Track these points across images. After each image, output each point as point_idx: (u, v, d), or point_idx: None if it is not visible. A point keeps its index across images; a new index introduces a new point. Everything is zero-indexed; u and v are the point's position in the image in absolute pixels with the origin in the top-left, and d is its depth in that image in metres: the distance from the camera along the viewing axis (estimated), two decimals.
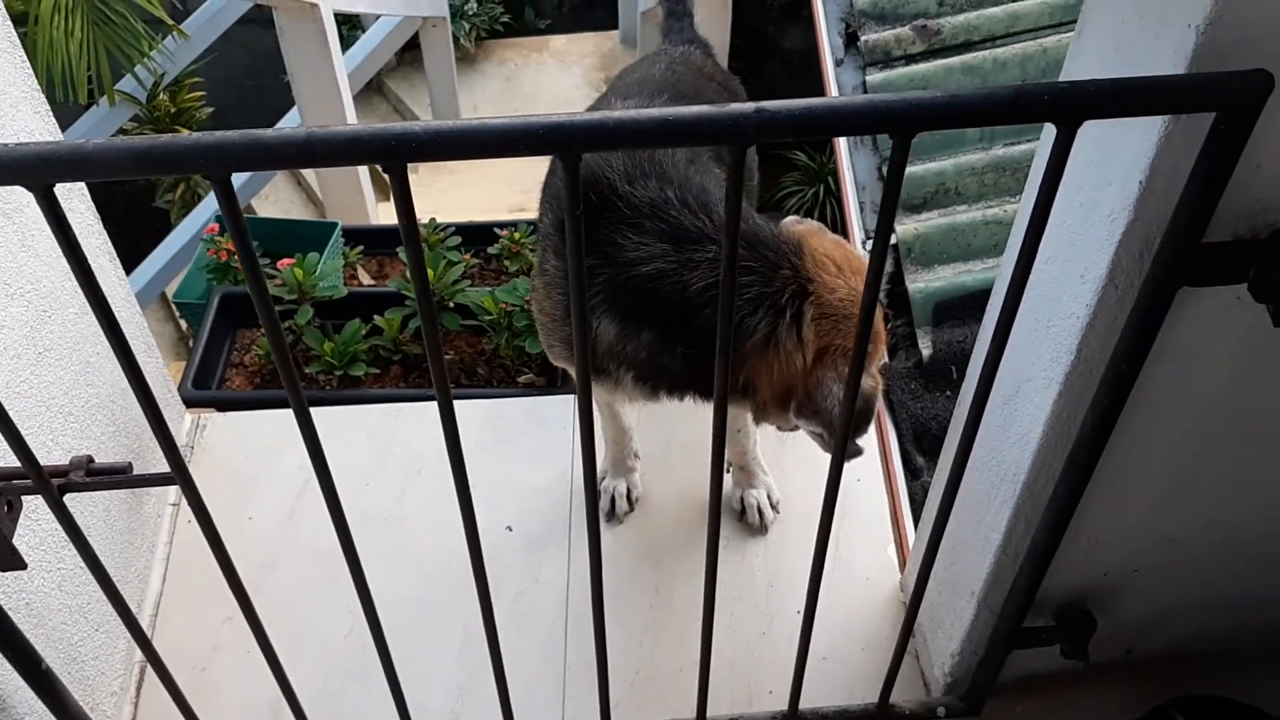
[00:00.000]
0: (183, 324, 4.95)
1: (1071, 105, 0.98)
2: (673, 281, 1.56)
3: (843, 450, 1.32)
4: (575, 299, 1.08)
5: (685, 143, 1.01)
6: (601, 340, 1.64)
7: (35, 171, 0.92)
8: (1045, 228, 1.10)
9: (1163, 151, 1.10)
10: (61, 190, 0.96)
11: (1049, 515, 1.49)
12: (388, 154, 0.94)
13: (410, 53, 6.43)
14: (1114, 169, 1.17)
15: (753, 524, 2.19)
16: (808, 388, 1.56)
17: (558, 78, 6.85)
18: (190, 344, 4.85)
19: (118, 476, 1.28)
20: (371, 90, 6.64)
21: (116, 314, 1.05)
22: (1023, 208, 1.28)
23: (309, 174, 5.96)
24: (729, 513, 2.21)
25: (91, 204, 1.91)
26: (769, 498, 2.21)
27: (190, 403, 2.50)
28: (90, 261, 1.01)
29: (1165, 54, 1.05)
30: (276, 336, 1.10)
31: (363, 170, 5.05)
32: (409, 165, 0.96)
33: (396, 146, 0.93)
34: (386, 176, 0.97)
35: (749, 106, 0.94)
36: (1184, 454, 1.47)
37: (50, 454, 1.68)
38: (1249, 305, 1.18)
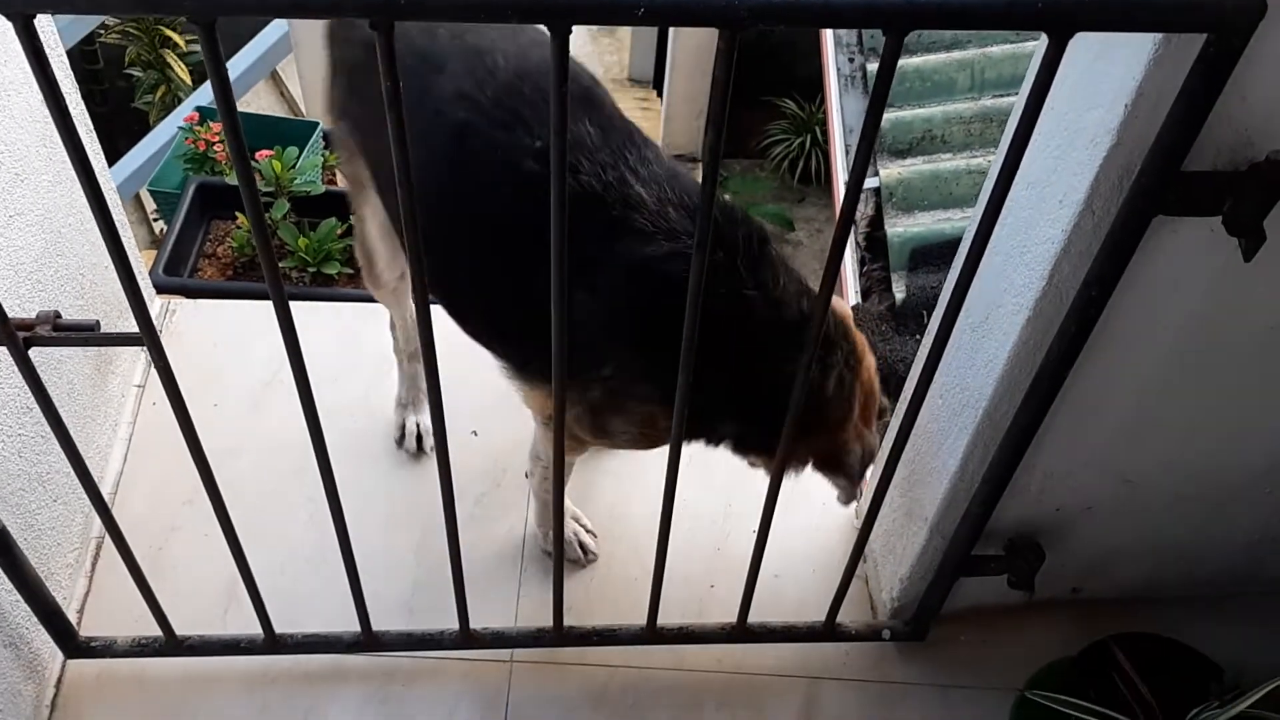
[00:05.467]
0: (156, 226, 4.89)
1: (1065, 14, 0.98)
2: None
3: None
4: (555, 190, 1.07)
5: (678, 23, 1.00)
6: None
7: None
8: (1028, 145, 1.11)
9: (1151, 75, 1.10)
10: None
11: (1007, 443, 1.51)
12: (377, 9, 0.93)
13: None
14: (1101, 92, 1.17)
15: None
16: (836, 449, 1.64)
17: None
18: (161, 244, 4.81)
19: (84, 334, 1.27)
20: None
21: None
22: (1007, 128, 1.28)
23: (292, 82, 5.86)
24: None
25: (72, 75, 1.87)
26: None
27: (160, 289, 2.49)
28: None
29: None
30: (256, 212, 1.09)
31: None
32: None
33: (385, 3, 0.92)
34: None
35: None
36: (1145, 391, 1.49)
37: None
38: (1222, 239, 1.20)
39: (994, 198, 1.17)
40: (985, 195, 1.26)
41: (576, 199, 1.43)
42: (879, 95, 1.04)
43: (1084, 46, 1.12)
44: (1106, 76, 1.16)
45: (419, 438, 2.17)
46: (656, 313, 1.44)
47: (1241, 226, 1.17)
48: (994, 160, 1.44)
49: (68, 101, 0.99)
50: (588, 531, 2.05)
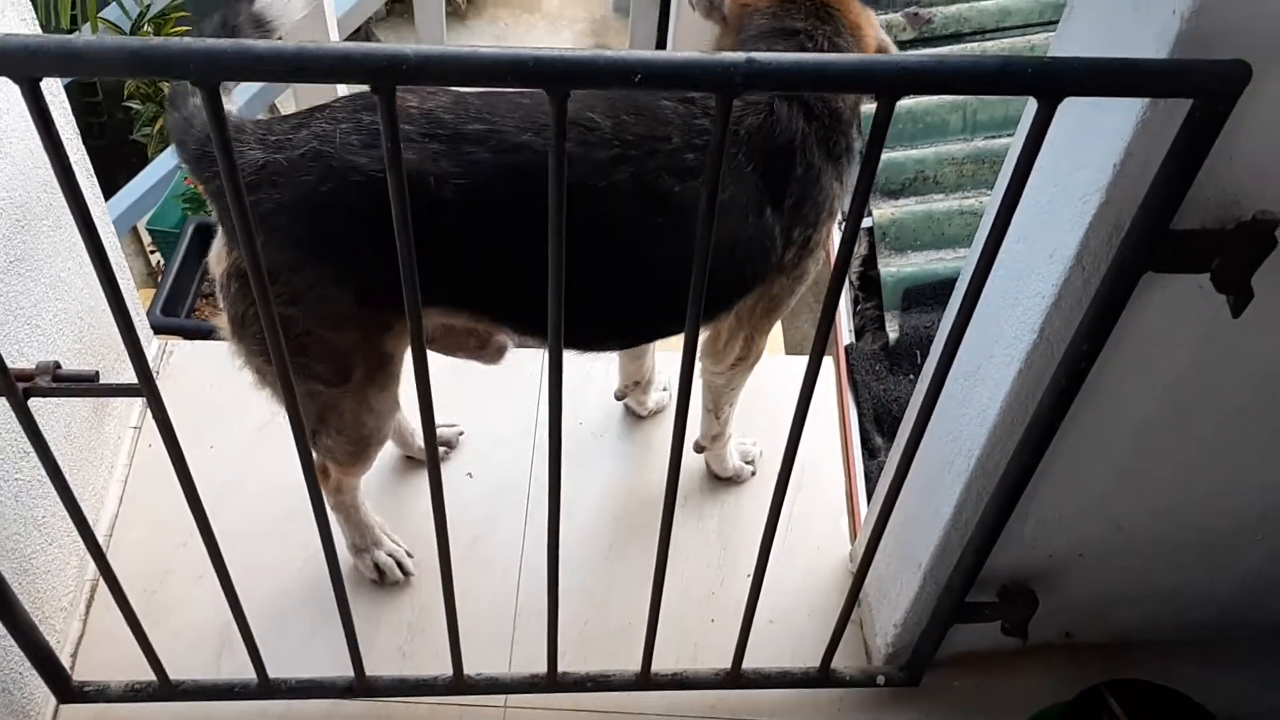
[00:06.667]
0: (153, 259, 4.90)
1: (1054, 80, 1.00)
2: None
3: None
4: (553, 251, 1.09)
5: (673, 87, 1.02)
6: None
7: (23, 63, 0.92)
8: (1019, 203, 1.13)
9: (1139, 136, 1.12)
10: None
11: (1000, 492, 1.52)
12: (378, 75, 0.95)
13: (401, 3, 6.37)
14: (1090, 152, 1.19)
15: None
16: (878, 44, 1.71)
17: (548, 40, 6.81)
18: (159, 279, 4.81)
19: (84, 384, 1.28)
20: (360, 37, 6.57)
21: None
22: (999, 183, 1.31)
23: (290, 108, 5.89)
24: (689, 477, 2.23)
25: (73, 119, 1.89)
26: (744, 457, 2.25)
27: (158, 329, 2.49)
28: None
29: (1148, 39, 1.07)
30: (254, 258, 1.10)
31: None
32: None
33: (387, 68, 0.94)
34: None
35: (740, 56, 0.96)
36: (1137, 441, 1.51)
37: (15, 364, 1.67)
38: (1210, 295, 1.21)
39: (985, 254, 1.18)
40: (976, 250, 1.28)
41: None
42: (872, 158, 1.06)
43: (1073, 107, 1.14)
44: (1095, 137, 1.18)
45: (398, 563, 2.03)
46: None
47: (1230, 284, 1.18)
48: (985, 215, 1.46)
49: (69, 148, 1.00)
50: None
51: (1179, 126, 1.06)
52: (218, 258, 1.56)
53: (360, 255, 1.46)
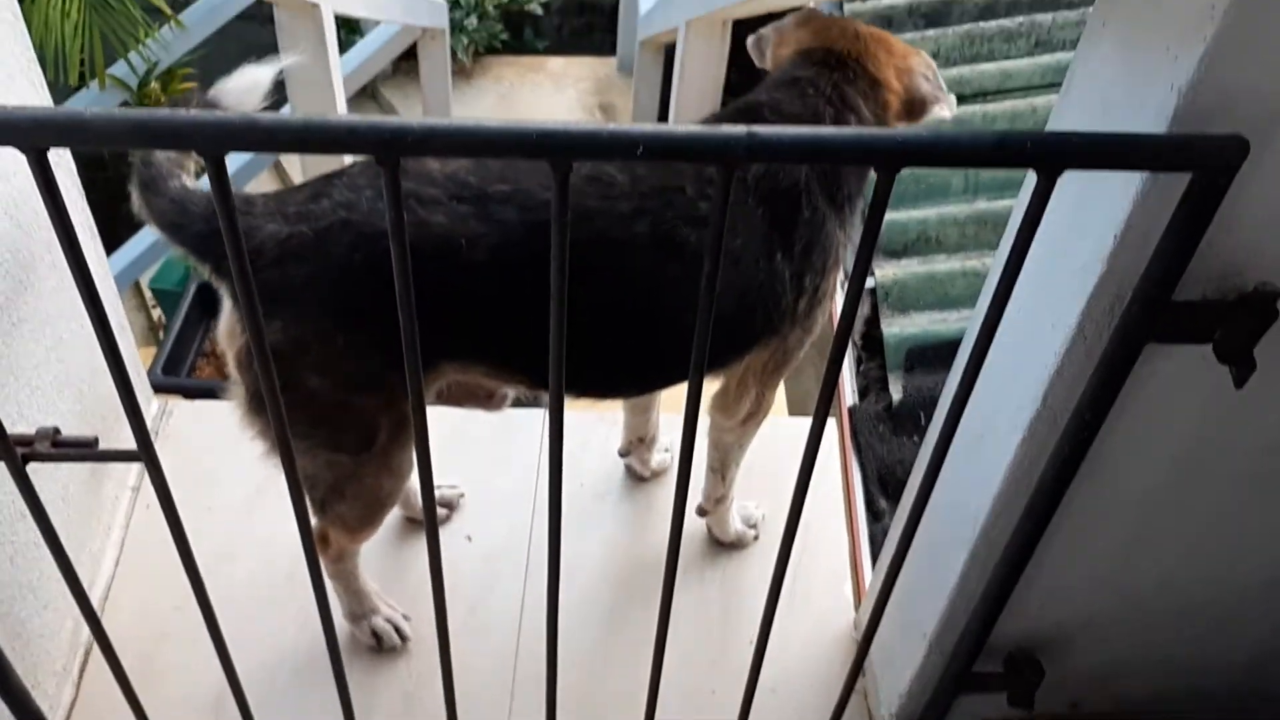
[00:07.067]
0: (154, 314, 4.92)
1: (1053, 154, 1.00)
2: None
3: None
4: (555, 318, 1.09)
5: (676, 158, 1.02)
6: None
7: (31, 134, 0.92)
8: (1020, 273, 1.13)
9: (1138, 208, 1.12)
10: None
11: (1005, 561, 1.51)
12: (383, 147, 0.95)
13: (407, 62, 6.44)
14: (1091, 222, 1.20)
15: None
16: (908, 94, 1.72)
17: (552, 99, 6.89)
18: (160, 334, 4.83)
19: (83, 450, 1.28)
20: (365, 96, 6.65)
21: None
22: (999, 253, 1.31)
23: (293, 167, 5.95)
24: (690, 541, 2.21)
25: (78, 180, 1.91)
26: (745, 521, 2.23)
27: (158, 388, 2.49)
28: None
29: (1148, 113, 1.07)
30: (256, 327, 1.10)
31: None
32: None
33: (392, 140, 0.94)
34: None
35: (740, 129, 0.96)
36: (1143, 510, 1.49)
37: (14, 426, 1.66)
38: (1213, 366, 1.21)
39: (987, 322, 1.18)
40: (978, 319, 1.27)
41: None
42: (873, 228, 1.06)
43: (1073, 177, 1.15)
44: (1096, 207, 1.19)
45: (395, 628, 2.01)
46: None
47: (1232, 355, 1.18)
48: (986, 283, 1.46)
49: (73, 208, 1.01)
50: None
51: (1178, 199, 1.07)
52: (229, 334, 1.56)
53: (395, 316, 1.46)
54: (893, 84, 1.70)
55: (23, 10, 1.74)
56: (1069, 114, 1.26)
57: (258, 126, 0.94)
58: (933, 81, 1.74)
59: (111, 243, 4.75)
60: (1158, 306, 1.15)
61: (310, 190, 1.48)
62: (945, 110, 1.74)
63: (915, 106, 1.73)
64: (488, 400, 1.80)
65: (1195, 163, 1.01)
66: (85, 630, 1.92)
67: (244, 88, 1.55)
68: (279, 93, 5.06)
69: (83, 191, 1.92)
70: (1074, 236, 1.23)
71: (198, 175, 1.55)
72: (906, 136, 0.99)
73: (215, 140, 0.93)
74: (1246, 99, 1.03)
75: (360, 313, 1.47)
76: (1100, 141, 1.02)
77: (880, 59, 1.70)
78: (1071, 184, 1.19)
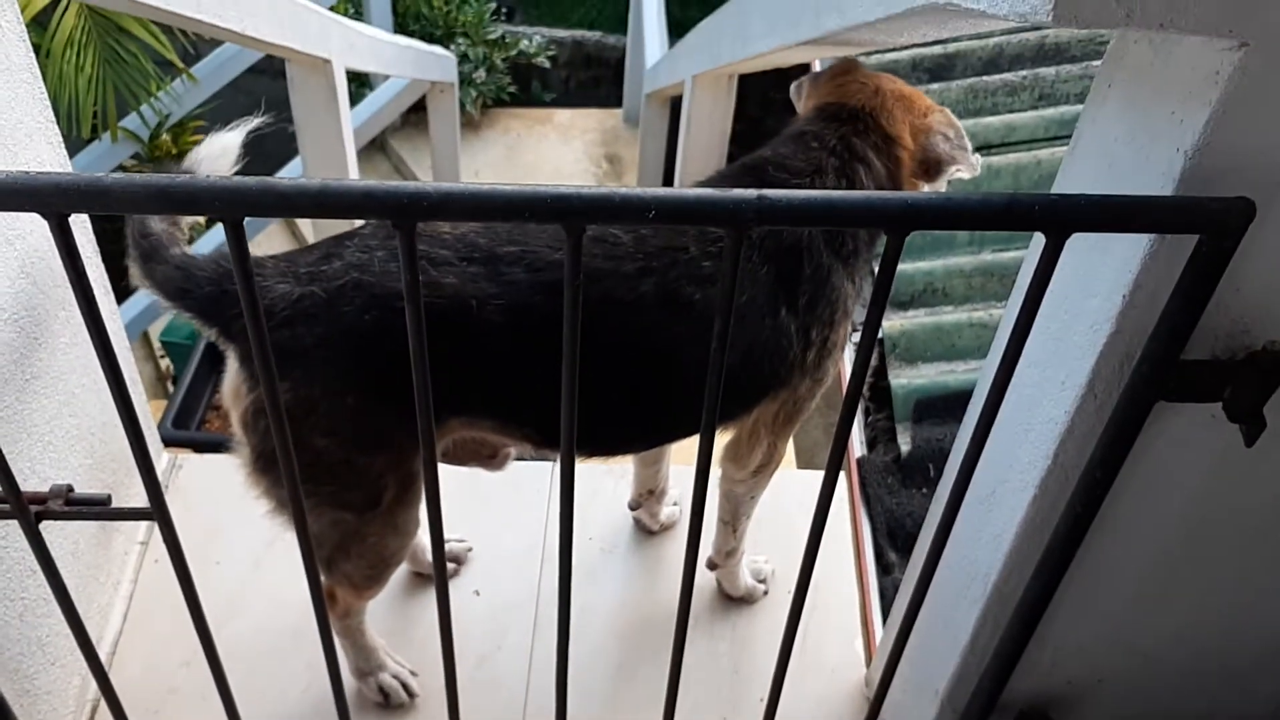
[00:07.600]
0: (163, 364, 4.94)
1: (1061, 217, 1.02)
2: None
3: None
4: (567, 377, 1.10)
5: (686, 222, 1.03)
6: None
7: (53, 200, 0.94)
8: (1029, 333, 1.13)
9: (1147, 268, 1.13)
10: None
11: (1017, 618, 1.50)
12: (399, 212, 0.96)
13: (416, 114, 6.52)
14: (1099, 282, 1.20)
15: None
16: (923, 152, 1.73)
17: (559, 150, 6.96)
18: (169, 384, 4.84)
19: (96, 508, 1.28)
20: (375, 148, 6.72)
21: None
22: (1008, 312, 1.32)
23: (304, 222, 6.00)
24: (699, 595, 2.20)
25: (93, 237, 1.93)
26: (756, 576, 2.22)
27: (168, 442, 2.50)
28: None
29: (1154, 175, 1.09)
30: (271, 386, 1.11)
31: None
32: None
33: (409, 205, 0.96)
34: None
35: (750, 193, 0.98)
36: (1154, 567, 1.49)
37: (27, 482, 1.67)
38: (1223, 424, 1.21)
39: (997, 381, 1.18)
40: (988, 376, 1.28)
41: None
42: (882, 288, 1.07)
43: (1081, 238, 1.16)
44: (1104, 267, 1.19)
45: (403, 685, 1.99)
46: None
47: (1242, 413, 1.18)
48: (995, 341, 1.47)
49: (88, 265, 1.02)
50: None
51: (1186, 260, 1.07)
52: (235, 394, 1.56)
53: (407, 374, 1.47)
54: (906, 141, 1.71)
55: (38, 65, 1.77)
56: (1076, 174, 1.27)
57: (274, 192, 0.95)
58: (953, 141, 1.74)
59: (122, 292, 4.79)
60: (1167, 365, 1.16)
61: (322, 251, 1.50)
62: (965, 171, 1.74)
63: (930, 166, 1.73)
64: (490, 460, 1.81)
65: (1202, 225, 1.02)
66: (93, 686, 1.92)
67: (214, 154, 1.57)
68: (287, 144, 5.13)
69: (97, 248, 1.94)
70: (1083, 295, 1.24)
71: (190, 241, 1.57)
72: (916, 199, 1.00)
73: (233, 205, 0.95)
74: (1252, 161, 1.04)
75: (375, 372, 1.48)
76: (1107, 204, 1.03)
77: (896, 115, 1.71)
78: (1080, 242, 1.20)
